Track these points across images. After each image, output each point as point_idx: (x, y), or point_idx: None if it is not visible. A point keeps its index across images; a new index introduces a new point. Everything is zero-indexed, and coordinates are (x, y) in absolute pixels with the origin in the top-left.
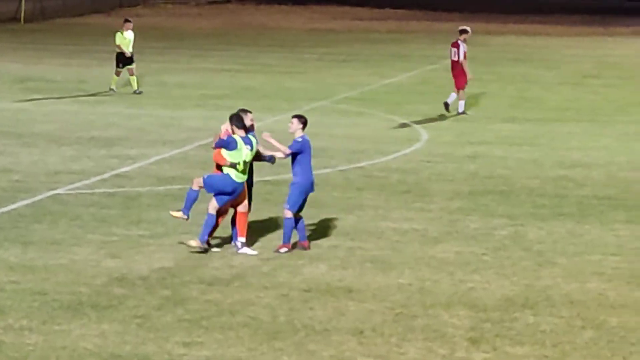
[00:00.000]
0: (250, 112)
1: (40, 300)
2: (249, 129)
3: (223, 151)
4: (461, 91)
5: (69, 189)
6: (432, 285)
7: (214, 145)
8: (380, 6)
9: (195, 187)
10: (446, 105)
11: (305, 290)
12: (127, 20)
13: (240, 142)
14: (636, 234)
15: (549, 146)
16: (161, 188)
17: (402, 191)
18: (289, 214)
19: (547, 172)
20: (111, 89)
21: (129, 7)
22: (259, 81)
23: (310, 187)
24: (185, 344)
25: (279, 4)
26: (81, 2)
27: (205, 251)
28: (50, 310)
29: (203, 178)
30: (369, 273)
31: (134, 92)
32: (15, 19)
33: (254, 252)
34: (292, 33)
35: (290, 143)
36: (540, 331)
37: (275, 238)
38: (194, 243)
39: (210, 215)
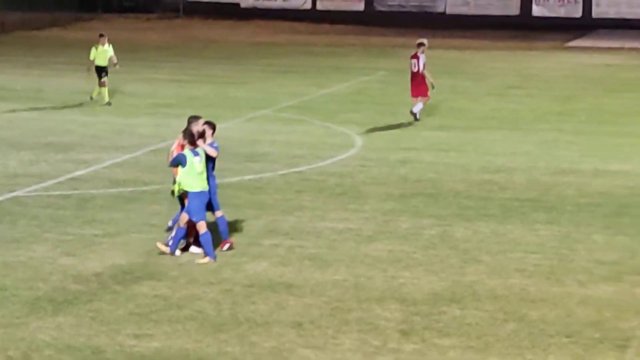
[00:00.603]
0: (200, 117)
1: (0, 296)
2: (201, 136)
3: (179, 168)
4: (423, 98)
5: (28, 191)
6: (366, 281)
7: (169, 164)
8: (319, 21)
9: (183, 225)
10: (413, 114)
11: (248, 286)
12: (101, 35)
13: (189, 156)
14: (555, 233)
15: (474, 152)
16: (114, 190)
17: (338, 193)
18: (219, 214)
19: (472, 177)
20: (107, 103)
21: (86, 21)
22: (205, 91)
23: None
24: (136, 336)
25: (225, 19)
26: (39, 16)
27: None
28: (9, 305)
29: (185, 213)
30: (307, 270)
31: (91, 98)
32: None
33: (199, 251)
34: (237, 46)
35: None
36: (466, 324)
37: (218, 236)
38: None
39: (181, 228)
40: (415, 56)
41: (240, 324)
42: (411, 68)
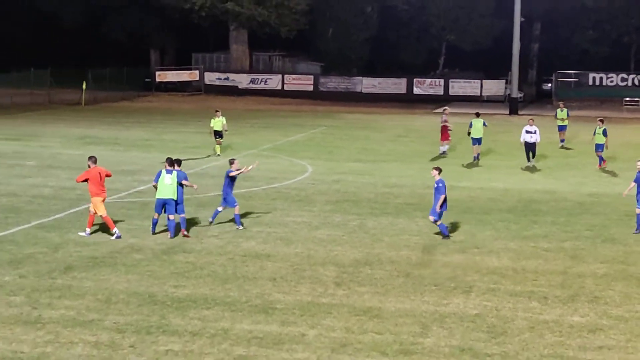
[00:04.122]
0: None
1: (93, 262)
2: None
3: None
4: (447, 141)
5: (110, 199)
6: (314, 252)
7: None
8: (285, 96)
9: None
10: (442, 152)
11: (243, 256)
12: (216, 110)
13: (163, 173)
14: (427, 224)
15: (379, 175)
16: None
17: (297, 200)
18: (180, 216)
19: (378, 190)
20: (218, 154)
21: (144, 96)
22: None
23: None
24: (175, 287)
25: (229, 95)
26: (115, 94)
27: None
28: (99, 267)
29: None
30: (279, 246)
31: (217, 154)
32: (78, 103)
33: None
34: (237, 112)
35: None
36: (374, 278)
37: (227, 225)
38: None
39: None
40: (442, 117)
41: (238, 278)
42: (441, 123)
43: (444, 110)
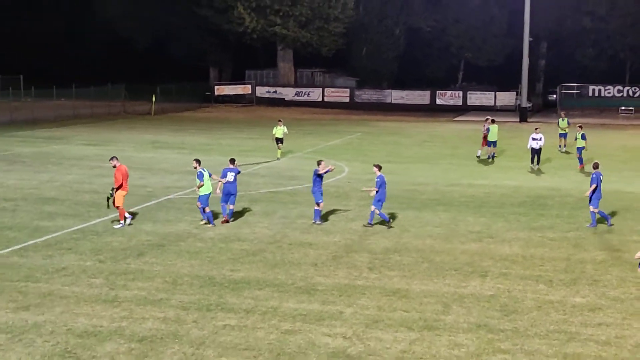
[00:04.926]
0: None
1: (160, 250)
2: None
3: (201, 178)
4: (485, 147)
5: (175, 195)
6: (350, 241)
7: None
8: (325, 107)
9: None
10: (479, 157)
11: (289, 244)
12: (279, 120)
13: (205, 173)
14: (448, 216)
15: (406, 175)
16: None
17: (336, 196)
18: (231, 206)
19: (405, 187)
20: (278, 158)
21: (205, 107)
22: (267, 143)
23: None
24: (231, 270)
25: (277, 106)
26: (180, 105)
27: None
28: (165, 254)
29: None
30: (320, 235)
31: (277, 159)
32: (149, 113)
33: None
34: (285, 120)
35: (219, 175)
36: (402, 264)
37: (275, 218)
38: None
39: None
40: (485, 125)
41: (285, 264)
42: (483, 131)
43: (486, 120)
